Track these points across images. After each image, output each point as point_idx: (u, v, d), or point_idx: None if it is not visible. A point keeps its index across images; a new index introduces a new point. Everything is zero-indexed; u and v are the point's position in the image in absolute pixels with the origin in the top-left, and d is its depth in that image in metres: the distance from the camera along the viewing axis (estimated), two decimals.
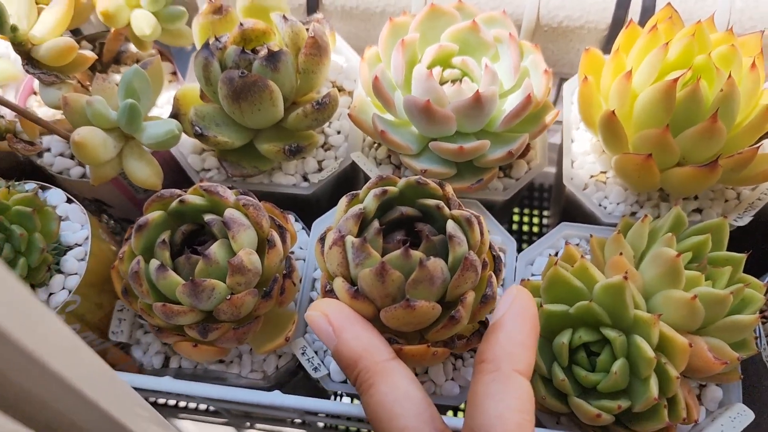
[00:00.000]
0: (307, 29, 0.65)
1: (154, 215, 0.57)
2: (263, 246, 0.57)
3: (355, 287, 0.51)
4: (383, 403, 0.42)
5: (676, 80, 0.57)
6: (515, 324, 0.44)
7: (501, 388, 0.40)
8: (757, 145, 0.60)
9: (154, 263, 0.54)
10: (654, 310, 0.54)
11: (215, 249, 0.54)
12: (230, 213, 0.55)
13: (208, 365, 0.63)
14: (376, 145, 0.72)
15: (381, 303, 0.50)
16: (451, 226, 0.51)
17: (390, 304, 0.50)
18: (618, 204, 0.67)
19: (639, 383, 0.52)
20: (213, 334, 0.55)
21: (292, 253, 0.67)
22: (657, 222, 0.60)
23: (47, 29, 0.65)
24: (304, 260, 0.67)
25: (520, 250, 0.65)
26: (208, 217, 0.56)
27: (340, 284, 0.51)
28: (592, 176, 0.69)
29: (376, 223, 0.53)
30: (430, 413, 0.41)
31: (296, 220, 0.69)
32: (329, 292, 0.53)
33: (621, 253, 0.56)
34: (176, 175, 0.77)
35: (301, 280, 0.65)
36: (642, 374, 0.52)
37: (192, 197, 0.57)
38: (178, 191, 0.58)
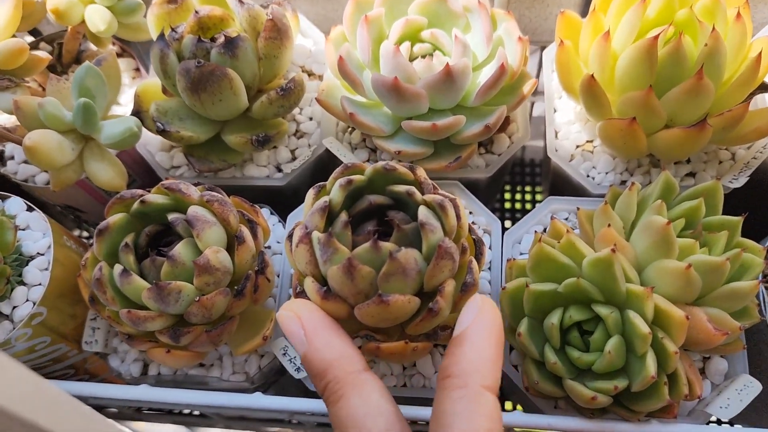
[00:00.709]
0: (266, 13, 0.62)
1: (115, 218, 0.54)
2: (232, 243, 0.54)
3: (326, 287, 0.48)
4: (354, 416, 0.39)
5: (656, 37, 0.54)
6: (481, 337, 0.41)
7: (470, 407, 0.38)
8: (748, 101, 0.56)
9: (118, 268, 0.52)
10: (647, 283, 0.51)
11: (180, 249, 0.51)
12: (193, 210, 0.52)
13: (188, 370, 0.61)
14: (350, 129, 0.68)
15: (354, 300, 0.47)
16: (422, 212, 0.48)
17: (363, 300, 0.47)
18: (607, 173, 0.63)
19: (636, 361, 0.49)
20: (185, 338, 0.53)
21: (268, 247, 0.64)
22: (646, 189, 0.56)
23: None
24: (282, 254, 0.64)
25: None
26: (171, 217, 0.54)
27: (310, 284, 0.48)
28: (578, 146, 0.65)
29: (343, 216, 0.50)
30: (401, 427, 0.39)
31: (271, 213, 0.66)
32: (300, 293, 0.51)
33: (609, 225, 0.53)
34: (147, 176, 0.74)
35: (278, 276, 0.62)
36: (638, 351, 0.49)
37: (154, 197, 0.54)
38: (139, 191, 0.55)
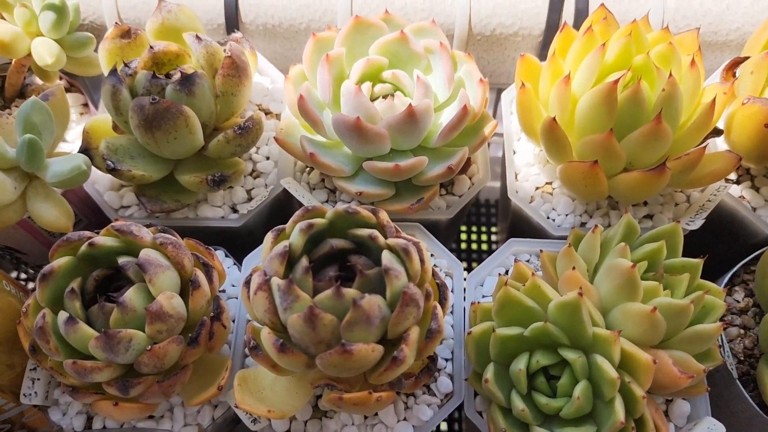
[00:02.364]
0: (224, 49, 0.61)
1: (60, 262, 0.51)
2: (186, 288, 0.51)
3: (281, 340, 0.46)
4: None
5: (616, 81, 0.54)
6: None
7: None
8: (704, 144, 0.57)
9: (63, 315, 0.48)
10: (613, 326, 0.51)
11: (131, 295, 0.49)
12: (146, 254, 0.50)
13: (136, 422, 0.57)
14: (308, 169, 0.67)
15: (315, 350, 0.45)
16: (386, 257, 0.47)
17: (324, 350, 0.45)
18: (566, 215, 0.63)
19: (603, 406, 0.49)
20: (135, 389, 0.49)
21: (223, 291, 0.62)
22: (608, 231, 0.57)
23: None
24: (238, 298, 0.61)
25: (469, 270, 0.61)
26: (122, 260, 0.51)
27: (266, 336, 0.46)
28: (537, 188, 0.65)
29: (304, 261, 0.48)
30: None
31: (226, 256, 0.64)
32: (254, 348, 0.48)
33: (574, 268, 0.52)
34: (95, 215, 0.71)
35: (234, 321, 0.60)
36: (606, 396, 0.48)
37: (103, 239, 0.51)
38: (87, 233, 0.52)
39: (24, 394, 0.56)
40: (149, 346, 0.48)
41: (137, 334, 0.48)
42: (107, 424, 0.57)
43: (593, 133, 0.56)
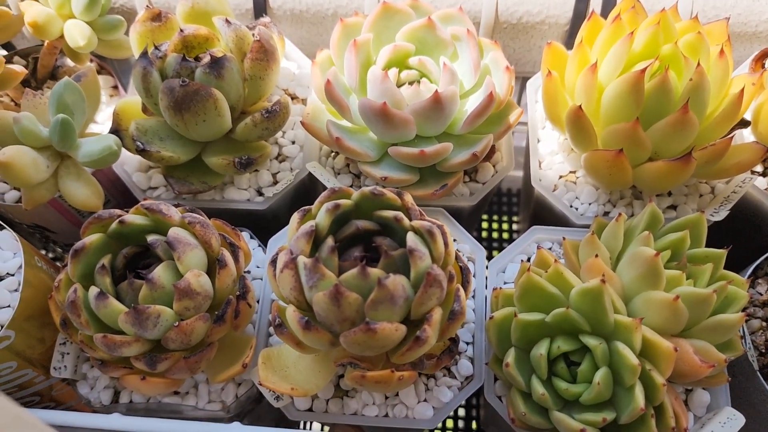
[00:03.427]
0: (253, 34, 0.61)
1: (92, 238, 0.52)
2: (213, 266, 0.52)
3: (306, 318, 0.46)
4: None
5: (643, 71, 0.54)
6: None
7: None
8: (730, 135, 0.57)
9: (93, 291, 0.49)
10: (635, 314, 0.51)
11: (160, 272, 0.50)
12: (174, 232, 0.51)
13: (162, 398, 0.58)
14: (333, 153, 0.68)
15: (339, 328, 0.46)
16: (411, 238, 0.47)
17: (349, 328, 0.46)
18: (590, 204, 0.64)
19: (623, 393, 0.49)
20: (162, 365, 0.51)
21: (248, 272, 0.62)
22: (632, 220, 0.57)
23: None
24: (263, 279, 0.62)
25: (490, 258, 0.62)
26: (151, 238, 0.52)
27: (291, 314, 0.47)
28: (561, 176, 0.65)
29: (330, 241, 0.49)
30: None
31: (251, 237, 0.65)
32: (279, 326, 0.49)
33: (597, 255, 0.52)
34: (123, 196, 0.72)
35: (258, 301, 0.60)
36: (626, 383, 0.48)
37: (133, 217, 0.52)
38: (118, 211, 0.53)
39: (54, 368, 0.58)
40: (177, 323, 0.49)
41: (165, 311, 0.49)
42: (134, 398, 0.58)
43: (619, 121, 0.56)
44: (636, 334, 0.48)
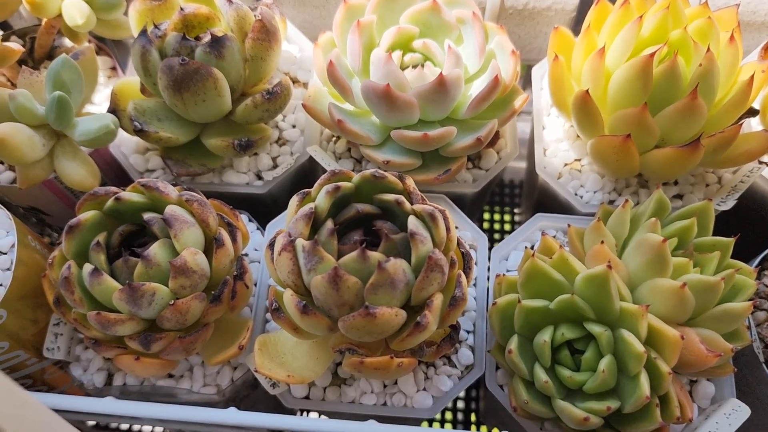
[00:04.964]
0: (255, 14, 0.60)
1: (87, 215, 0.51)
2: (211, 245, 0.51)
3: (304, 302, 0.45)
4: None
5: (652, 55, 0.53)
6: None
7: None
8: (739, 123, 0.56)
9: (88, 267, 0.48)
10: (640, 302, 0.50)
11: (155, 249, 0.49)
12: (171, 210, 0.50)
13: (156, 381, 0.57)
14: (334, 138, 0.66)
15: (338, 312, 0.45)
16: (412, 222, 0.46)
17: (347, 312, 0.45)
18: (595, 192, 0.63)
19: (628, 381, 0.48)
20: (157, 344, 0.50)
21: (246, 255, 0.61)
22: (638, 208, 0.56)
23: None
24: (260, 263, 0.61)
25: (491, 249, 0.61)
26: (147, 216, 0.51)
27: (289, 298, 0.46)
28: (566, 164, 0.64)
29: (329, 223, 0.48)
30: None
31: (250, 220, 0.64)
32: (276, 310, 0.48)
33: (602, 242, 0.51)
34: (119, 179, 0.71)
35: (256, 284, 0.59)
36: (631, 371, 0.47)
37: (129, 194, 0.51)
38: (114, 189, 0.52)
39: (47, 348, 0.57)
40: (172, 301, 0.48)
41: (161, 288, 0.48)
42: (127, 381, 0.57)
43: (627, 107, 0.55)
44: (642, 322, 0.47)
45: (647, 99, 0.55)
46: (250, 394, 0.64)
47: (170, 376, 0.57)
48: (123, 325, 0.48)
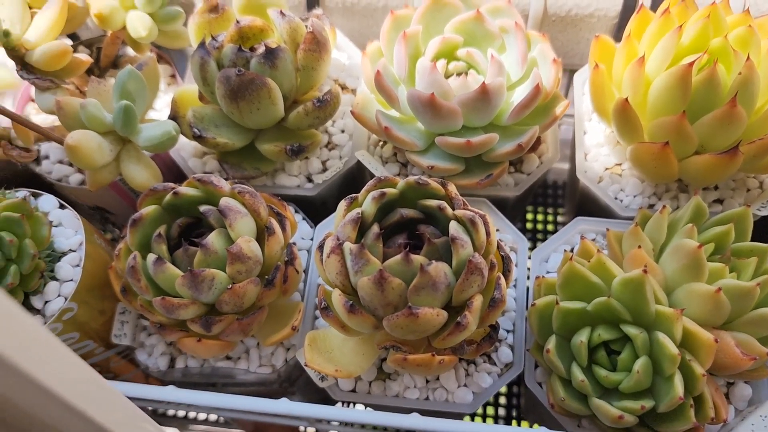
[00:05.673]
0: (306, 25, 0.63)
1: (148, 210, 0.55)
2: (262, 234, 0.55)
3: (351, 302, 0.48)
4: None
5: (691, 64, 0.54)
6: None
7: None
8: None
9: (151, 257, 0.52)
10: (676, 305, 0.51)
11: (213, 238, 0.52)
12: (226, 201, 0.53)
13: (215, 362, 0.61)
14: (381, 143, 0.69)
15: (383, 312, 0.48)
16: (453, 227, 0.49)
17: (392, 312, 0.48)
18: (635, 196, 0.64)
19: (663, 382, 0.50)
20: (217, 326, 0.53)
21: (294, 243, 0.65)
22: (676, 213, 0.57)
23: (41, 33, 0.63)
24: (308, 251, 0.65)
25: (534, 249, 0.63)
26: (203, 208, 0.55)
27: (337, 298, 0.49)
28: (606, 169, 0.66)
29: (375, 228, 0.51)
30: None
31: (296, 211, 0.67)
32: (325, 309, 0.51)
33: (639, 246, 0.53)
34: (178, 181, 0.75)
35: (306, 271, 0.63)
36: (666, 372, 0.49)
37: (186, 189, 0.55)
38: (171, 184, 0.56)
39: (115, 335, 0.61)
40: (230, 285, 0.51)
41: (219, 274, 0.51)
42: (189, 363, 0.61)
43: (666, 114, 0.56)
44: (677, 325, 0.49)
45: (686, 107, 0.56)
46: (302, 374, 0.67)
47: (228, 358, 0.61)
48: (186, 309, 0.52)
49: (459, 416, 0.62)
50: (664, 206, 0.55)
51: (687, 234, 0.53)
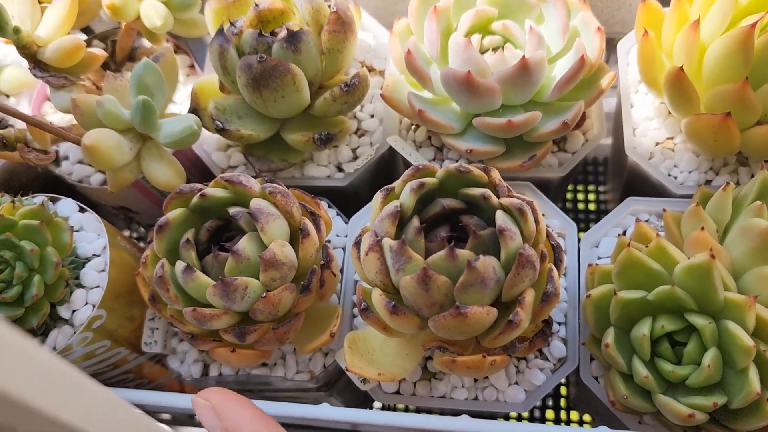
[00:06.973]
0: (329, 5, 0.59)
1: (174, 213, 0.52)
2: (296, 236, 0.51)
3: (393, 302, 0.45)
4: None
5: (753, 25, 0.49)
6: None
7: None
8: None
9: (180, 265, 0.49)
10: (745, 291, 0.47)
11: (244, 244, 0.49)
12: (256, 203, 0.50)
13: (251, 370, 0.58)
14: (414, 126, 0.65)
15: (428, 312, 0.45)
16: (500, 217, 0.45)
17: (438, 312, 0.44)
18: (690, 172, 0.59)
19: (735, 376, 0.46)
20: (251, 336, 0.50)
21: (329, 242, 0.61)
22: (740, 189, 0.52)
23: (52, 29, 0.60)
24: (343, 249, 0.61)
25: (580, 232, 0.59)
26: (233, 210, 0.51)
27: (377, 298, 0.45)
28: (657, 143, 0.61)
29: (415, 221, 0.47)
30: None
31: (329, 206, 0.64)
32: (365, 310, 0.48)
33: (702, 228, 0.49)
34: (203, 176, 0.72)
35: (342, 271, 0.59)
36: (738, 365, 0.45)
37: (214, 190, 0.52)
38: (198, 185, 0.53)
39: (145, 343, 0.59)
40: (264, 294, 0.48)
41: (252, 282, 0.48)
42: (223, 371, 0.59)
43: (725, 82, 0.52)
44: (749, 313, 0.44)
45: (748, 73, 0.51)
46: (341, 377, 0.64)
47: (264, 365, 0.58)
48: (218, 320, 0.49)
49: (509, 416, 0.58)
50: (727, 183, 0.50)
51: (755, 213, 0.48)
